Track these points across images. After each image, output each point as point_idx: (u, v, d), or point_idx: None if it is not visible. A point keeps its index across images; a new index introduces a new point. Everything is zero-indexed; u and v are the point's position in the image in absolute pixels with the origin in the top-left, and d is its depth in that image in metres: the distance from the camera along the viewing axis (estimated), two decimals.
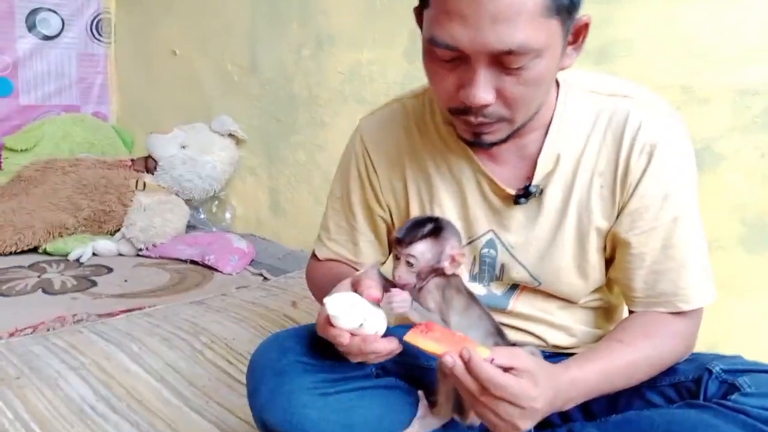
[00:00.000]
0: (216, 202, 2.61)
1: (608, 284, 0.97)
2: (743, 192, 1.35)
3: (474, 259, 0.95)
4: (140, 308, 1.71)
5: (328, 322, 0.76)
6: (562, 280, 0.92)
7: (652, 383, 0.90)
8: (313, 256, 1.11)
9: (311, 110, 2.24)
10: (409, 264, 0.77)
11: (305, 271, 1.14)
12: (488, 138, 0.83)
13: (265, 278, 2.03)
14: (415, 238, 0.78)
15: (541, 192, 0.89)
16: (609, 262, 0.93)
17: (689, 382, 0.88)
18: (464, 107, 0.78)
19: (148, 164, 2.45)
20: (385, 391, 0.88)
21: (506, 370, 0.71)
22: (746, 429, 0.75)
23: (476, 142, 0.84)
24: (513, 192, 0.89)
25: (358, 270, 1.05)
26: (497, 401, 0.70)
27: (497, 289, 0.96)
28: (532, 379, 0.72)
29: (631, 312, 0.95)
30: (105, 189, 2.33)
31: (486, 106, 0.77)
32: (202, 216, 2.58)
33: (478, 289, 0.95)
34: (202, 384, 1.30)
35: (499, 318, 0.88)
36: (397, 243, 0.79)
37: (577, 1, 0.75)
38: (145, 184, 2.38)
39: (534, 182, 0.89)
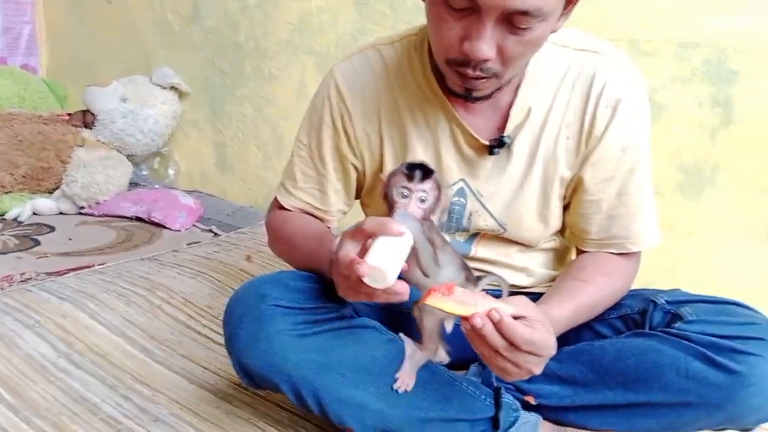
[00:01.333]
0: (158, 158, 2.54)
1: (562, 229, 1.03)
2: (681, 140, 1.43)
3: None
4: (90, 266, 1.67)
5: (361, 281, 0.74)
6: (524, 226, 0.98)
7: (600, 317, 0.98)
8: (277, 206, 1.11)
9: (258, 62, 2.19)
10: (421, 201, 0.80)
11: (266, 222, 1.14)
12: (478, 93, 0.86)
13: (216, 234, 2.01)
14: (427, 176, 0.81)
15: (512, 142, 0.93)
16: (565, 207, 0.99)
17: (635, 314, 0.96)
18: (463, 59, 0.79)
19: (86, 119, 2.35)
20: (360, 330, 0.92)
21: (517, 317, 0.74)
22: (688, 352, 0.83)
23: (465, 96, 0.87)
24: (486, 142, 0.93)
25: (325, 220, 1.08)
26: (523, 354, 0.74)
27: (460, 237, 1.01)
28: (547, 328, 0.76)
29: (579, 252, 1.02)
30: (42, 145, 2.23)
31: (486, 60, 0.78)
32: (144, 172, 2.51)
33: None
34: (165, 338, 1.30)
35: None
36: (408, 179, 0.80)
37: None
38: (84, 140, 2.29)
39: (506, 133, 0.92)
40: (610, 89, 0.90)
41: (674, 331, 0.87)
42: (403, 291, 0.76)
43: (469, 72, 0.81)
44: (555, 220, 0.99)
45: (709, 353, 0.82)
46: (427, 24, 0.86)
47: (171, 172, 2.53)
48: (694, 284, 1.45)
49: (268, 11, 2.13)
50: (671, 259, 1.47)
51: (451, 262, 0.83)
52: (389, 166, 0.99)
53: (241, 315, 0.89)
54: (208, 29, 2.31)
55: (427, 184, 0.81)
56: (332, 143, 1.02)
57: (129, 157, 2.39)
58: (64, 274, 1.61)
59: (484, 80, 0.83)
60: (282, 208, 1.09)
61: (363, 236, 0.78)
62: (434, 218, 0.84)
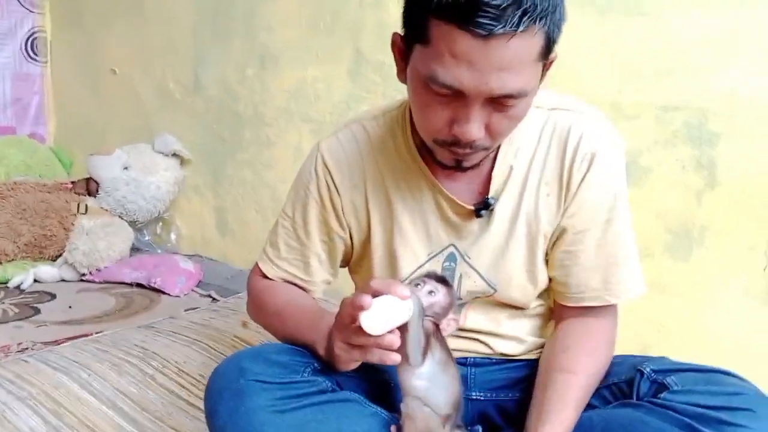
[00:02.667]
0: (160, 224, 2.58)
1: (547, 288, 1.04)
2: (667, 202, 1.45)
3: None
4: (87, 335, 1.68)
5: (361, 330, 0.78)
6: (513, 284, 0.99)
7: None
8: (259, 273, 1.12)
9: (257, 128, 2.25)
10: (430, 293, 0.87)
11: (249, 288, 1.15)
12: (468, 164, 0.89)
13: (214, 299, 2.02)
14: (442, 279, 0.89)
15: (496, 203, 0.95)
16: (547, 262, 1.00)
17: (623, 383, 0.95)
18: (453, 140, 0.83)
19: (90, 187, 2.40)
20: (341, 404, 0.91)
21: None
22: (674, 423, 0.82)
23: (456, 167, 0.90)
24: (471, 207, 0.95)
25: (308, 290, 1.09)
26: None
27: None
28: None
29: (558, 313, 1.03)
30: (45, 213, 2.28)
31: (476, 140, 0.82)
32: (146, 238, 2.55)
33: None
34: (155, 409, 1.30)
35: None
36: (428, 276, 0.89)
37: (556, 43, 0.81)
38: (87, 207, 2.34)
39: (490, 195, 0.95)
40: (585, 143, 0.93)
41: (660, 401, 0.86)
42: (393, 343, 0.78)
43: (460, 150, 0.85)
44: (543, 276, 1.00)
45: (695, 424, 0.81)
46: (412, 105, 0.89)
47: (173, 236, 2.56)
48: (686, 345, 1.45)
49: (265, 80, 2.20)
50: (659, 322, 1.47)
51: (447, 388, 0.85)
52: (377, 236, 1.01)
53: (221, 390, 0.89)
54: (208, 98, 2.38)
55: (442, 288, 0.88)
56: (318, 216, 1.05)
57: (131, 223, 2.43)
58: (62, 343, 1.63)
59: (474, 153, 0.86)
60: (265, 276, 1.11)
61: (369, 292, 0.80)
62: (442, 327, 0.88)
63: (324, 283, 1.11)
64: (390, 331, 0.79)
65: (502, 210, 0.96)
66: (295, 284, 1.09)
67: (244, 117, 2.28)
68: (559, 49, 0.81)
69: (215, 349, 1.56)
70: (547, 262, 1.00)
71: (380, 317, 0.77)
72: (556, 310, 1.04)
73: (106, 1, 2.71)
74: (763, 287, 1.36)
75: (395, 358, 0.80)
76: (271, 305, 1.08)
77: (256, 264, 1.13)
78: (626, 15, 1.44)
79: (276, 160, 2.21)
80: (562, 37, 0.80)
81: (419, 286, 0.87)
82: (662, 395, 0.87)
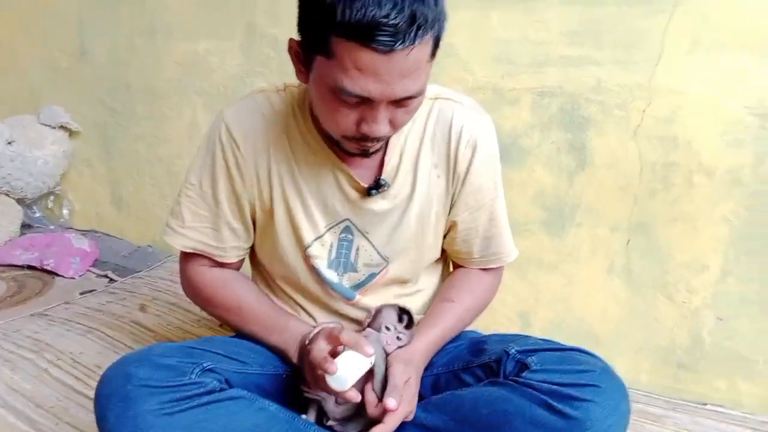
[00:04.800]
0: (52, 198, 2.48)
1: (443, 256, 1.18)
2: (544, 182, 1.55)
3: (332, 245, 1.08)
4: None
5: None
6: (403, 257, 1.09)
7: (466, 365, 1.09)
8: (185, 257, 1.15)
9: (149, 101, 2.18)
10: (398, 339, 1.03)
11: (181, 277, 1.18)
12: (372, 150, 0.97)
13: (111, 280, 1.99)
14: (410, 325, 1.05)
15: (389, 186, 1.04)
16: (445, 236, 1.13)
17: (493, 363, 1.06)
18: (361, 136, 0.90)
19: None
20: (229, 402, 0.95)
21: None
22: (533, 399, 0.93)
23: (362, 155, 0.98)
24: (366, 185, 1.03)
25: (221, 257, 1.13)
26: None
27: (347, 282, 1.10)
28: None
29: (456, 264, 1.19)
30: None
31: (383, 135, 0.90)
32: (37, 214, 2.45)
33: (333, 276, 1.09)
34: (50, 405, 1.29)
35: (344, 307, 1.10)
36: (398, 320, 1.04)
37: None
38: None
39: (383, 176, 1.04)
40: (467, 132, 1.05)
41: (522, 380, 0.96)
42: (355, 398, 0.93)
43: (368, 144, 0.93)
44: (430, 252, 1.13)
45: (550, 401, 0.91)
46: (317, 107, 0.94)
47: (65, 211, 2.47)
48: (557, 314, 1.59)
49: (156, 51, 2.12)
50: (537, 291, 1.61)
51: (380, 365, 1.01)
52: (278, 204, 1.06)
53: (109, 396, 0.91)
54: (96, 68, 2.27)
55: (408, 332, 1.04)
56: (227, 184, 1.07)
57: (20, 200, 2.32)
58: None
59: (379, 142, 0.95)
60: (188, 256, 1.13)
61: (337, 342, 0.95)
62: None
63: (236, 250, 1.13)
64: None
65: (396, 190, 1.05)
66: (207, 253, 1.11)
67: (135, 88, 2.20)
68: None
69: (112, 337, 1.56)
70: (446, 237, 1.13)
71: (346, 377, 0.91)
72: (453, 266, 1.21)
73: None
74: (623, 264, 1.50)
75: (353, 401, 0.94)
76: (223, 300, 1.13)
77: (182, 252, 1.14)
78: (509, 5, 1.50)
79: (170, 134, 2.17)
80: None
81: (390, 331, 1.03)
82: (524, 374, 0.97)
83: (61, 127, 2.35)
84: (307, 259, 1.08)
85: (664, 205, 1.43)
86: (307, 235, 1.07)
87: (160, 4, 2.08)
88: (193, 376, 0.94)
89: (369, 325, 1.04)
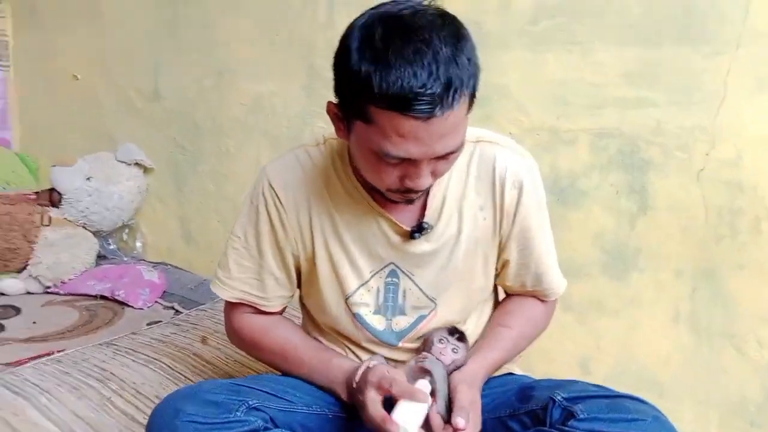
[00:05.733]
0: (126, 230, 2.61)
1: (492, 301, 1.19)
2: (603, 224, 1.52)
3: (378, 290, 1.09)
4: (49, 354, 1.72)
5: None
6: (451, 300, 1.09)
7: (512, 412, 1.06)
8: (230, 307, 1.19)
9: (216, 140, 2.28)
10: (453, 351, 1.03)
11: (226, 326, 1.22)
12: (415, 198, 1.00)
13: (177, 311, 2.06)
14: (463, 339, 1.06)
15: (432, 228, 1.04)
16: (497, 276, 1.14)
17: (539, 410, 1.03)
18: (405, 189, 0.93)
19: (53, 197, 2.42)
20: None
21: None
22: None
23: (406, 202, 1.01)
24: (409, 228, 1.04)
25: (265, 307, 1.15)
26: None
27: (396, 327, 1.10)
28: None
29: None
30: (9, 226, 2.29)
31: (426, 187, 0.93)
32: (112, 246, 2.57)
33: (379, 322, 1.09)
34: None
35: (390, 353, 1.10)
36: (449, 333, 1.05)
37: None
38: (50, 219, 2.35)
39: (425, 219, 1.05)
40: (511, 173, 1.05)
41: (567, 429, 0.93)
42: None
43: (412, 195, 0.96)
44: (479, 294, 1.13)
45: None
46: (360, 165, 0.98)
47: (138, 244, 2.59)
48: (619, 362, 1.53)
49: (222, 92, 2.22)
50: (597, 337, 1.57)
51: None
52: (321, 255, 1.08)
53: (159, 429, 0.95)
54: (168, 108, 2.40)
55: (463, 345, 1.04)
56: (270, 236, 1.10)
57: (96, 232, 2.45)
58: (24, 363, 1.66)
59: (423, 192, 0.97)
60: (232, 305, 1.17)
61: (387, 393, 0.95)
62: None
63: (280, 299, 1.17)
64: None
65: (441, 231, 1.06)
66: (251, 303, 1.15)
67: (203, 128, 2.30)
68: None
69: (172, 368, 1.61)
70: (497, 276, 1.13)
71: (409, 428, 0.91)
72: (506, 293, 1.22)
73: (65, 3, 2.69)
74: (689, 311, 1.44)
75: None
76: (269, 344, 1.16)
77: (226, 302, 1.19)
78: (564, 46, 1.50)
79: (235, 172, 2.25)
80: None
81: (443, 344, 1.03)
82: (569, 423, 0.94)
83: (136, 164, 2.48)
84: (348, 308, 1.09)
85: (731, 252, 1.37)
86: (352, 283, 1.08)
87: (227, 48, 2.19)
88: (239, 414, 0.96)
89: (422, 350, 1.05)
